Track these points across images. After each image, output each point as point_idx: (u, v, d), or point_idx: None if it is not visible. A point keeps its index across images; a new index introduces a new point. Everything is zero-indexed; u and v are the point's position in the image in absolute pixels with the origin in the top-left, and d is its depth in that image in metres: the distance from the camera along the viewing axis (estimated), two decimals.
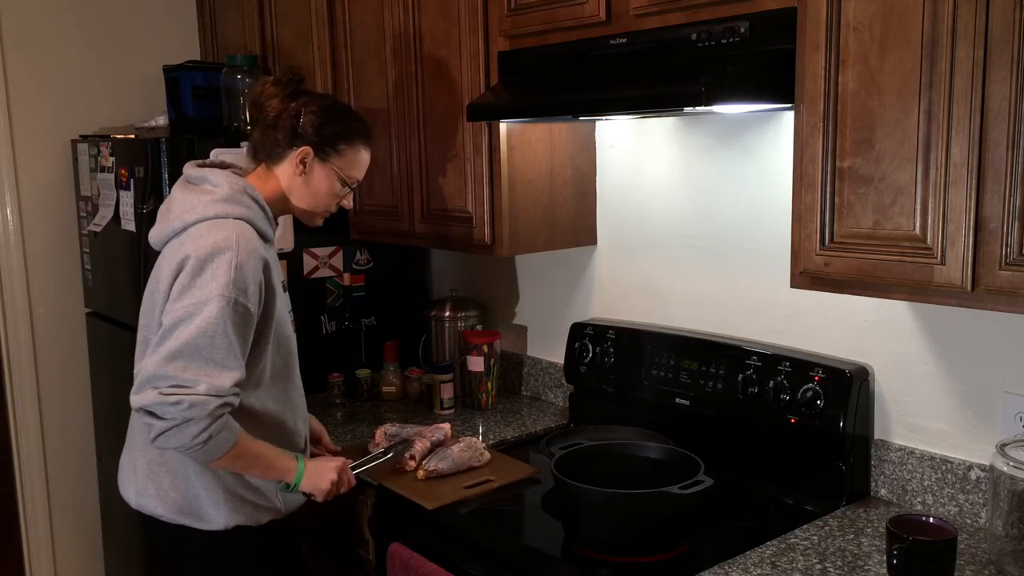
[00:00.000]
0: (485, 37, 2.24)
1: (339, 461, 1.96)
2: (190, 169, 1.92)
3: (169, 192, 1.93)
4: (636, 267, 2.46)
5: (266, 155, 1.94)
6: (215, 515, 1.84)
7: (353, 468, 2.03)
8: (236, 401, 1.71)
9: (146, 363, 1.69)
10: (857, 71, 1.52)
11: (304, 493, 1.91)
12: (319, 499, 1.92)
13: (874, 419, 1.97)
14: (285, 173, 1.93)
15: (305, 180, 1.93)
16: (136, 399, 1.68)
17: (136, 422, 1.91)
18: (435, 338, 2.83)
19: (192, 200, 1.83)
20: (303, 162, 1.91)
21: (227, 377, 1.68)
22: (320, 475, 1.91)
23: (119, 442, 2.01)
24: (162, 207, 1.90)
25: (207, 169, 1.90)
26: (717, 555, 1.71)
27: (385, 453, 2.15)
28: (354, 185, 2.00)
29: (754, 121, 2.11)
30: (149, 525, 1.92)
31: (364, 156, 2.00)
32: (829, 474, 1.93)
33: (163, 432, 1.66)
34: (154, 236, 1.88)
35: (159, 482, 1.85)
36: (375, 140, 2.61)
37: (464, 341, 2.70)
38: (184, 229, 1.80)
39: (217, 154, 2.50)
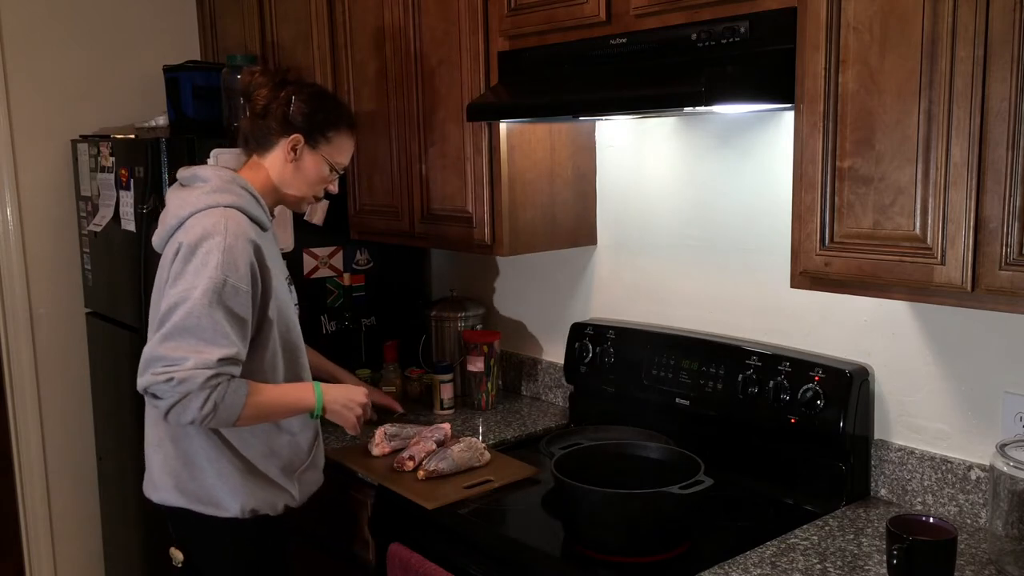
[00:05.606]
0: (485, 37, 2.24)
1: (361, 395, 2.00)
2: (181, 172, 1.98)
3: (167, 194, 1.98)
4: (636, 267, 2.46)
5: (256, 144, 2.00)
6: (231, 502, 1.90)
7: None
8: (234, 371, 1.78)
9: (145, 348, 1.78)
10: (857, 71, 1.52)
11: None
12: (350, 432, 2.01)
13: (874, 419, 1.97)
14: (276, 161, 1.98)
15: (296, 167, 1.98)
16: (139, 382, 1.76)
17: (148, 417, 1.97)
18: (435, 338, 2.83)
19: (184, 197, 1.89)
20: (294, 149, 1.97)
21: (215, 352, 1.74)
22: (345, 408, 1.97)
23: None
24: (162, 213, 1.96)
25: (197, 167, 1.96)
26: (717, 555, 1.71)
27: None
28: (341, 171, 2.05)
29: (754, 121, 2.11)
30: (173, 518, 1.96)
31: (350, 142, 2.05)
32: (829, 474, 1.93)
33: (169, 410, 1.74)
34: (156, 239, 1.95)
35: (177, 475, 1.91)
36: (375, 139, 2.63)
37: (464, 341, 2.70)
38: (180, 225, 1.86)
39: (216, 154, 2.51)
